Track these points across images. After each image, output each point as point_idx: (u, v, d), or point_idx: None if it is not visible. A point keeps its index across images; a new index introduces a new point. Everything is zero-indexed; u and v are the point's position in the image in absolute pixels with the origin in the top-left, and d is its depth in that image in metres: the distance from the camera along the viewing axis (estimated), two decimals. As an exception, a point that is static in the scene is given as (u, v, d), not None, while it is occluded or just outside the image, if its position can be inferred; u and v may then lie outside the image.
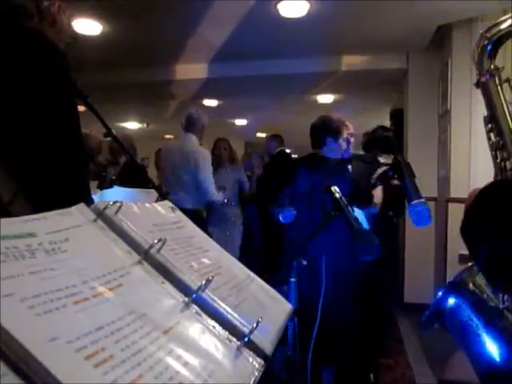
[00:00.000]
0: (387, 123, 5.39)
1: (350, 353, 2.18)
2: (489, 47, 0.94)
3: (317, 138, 2.53)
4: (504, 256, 0.69)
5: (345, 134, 2.50)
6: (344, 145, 2.49)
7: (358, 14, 3.44)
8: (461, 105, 3.52)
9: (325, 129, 2.52)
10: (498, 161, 0.92)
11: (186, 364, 0.45)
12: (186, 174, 3.13)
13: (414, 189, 1.89)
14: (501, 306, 0.87)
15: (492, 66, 0.94)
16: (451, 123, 3.61)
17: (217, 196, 3.26)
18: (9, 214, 0.65)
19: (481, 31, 0.95)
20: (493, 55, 0.94)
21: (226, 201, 3.47)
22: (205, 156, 3.16)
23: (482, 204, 0.73)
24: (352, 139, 2.61)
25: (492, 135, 0.94)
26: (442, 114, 3.97)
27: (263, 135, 9.20)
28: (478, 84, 0.96)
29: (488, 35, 0.94)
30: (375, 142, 3.13)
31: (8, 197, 0.85)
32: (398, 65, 4.44)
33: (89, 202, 0.64)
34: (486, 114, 0.95)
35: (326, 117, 2.56)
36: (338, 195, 1.31)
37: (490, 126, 0.93)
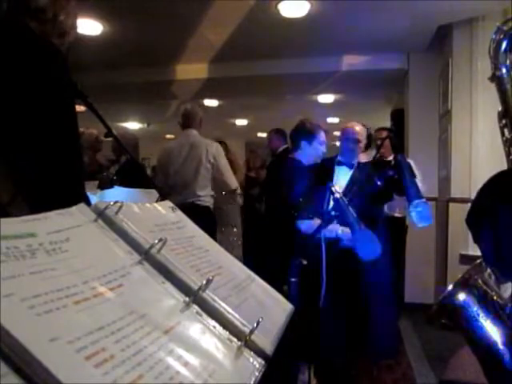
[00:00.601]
0: (387, 123, 5.39)
1: (336, 350, 2.18)
2: (505, 41, 0.92)
3: (292, 142, 2.63)
4: (505, 244, 0.69)
5: (321, 138, 2.55)
6: (321, 149, 2.55)
7: (358, 13, 3.44)
8: (461, 105, 3.51)
9: (299, 133, 2.59)
10: (511, 157, 0.91)
11: (186, 364, 0.45)
12: (200, 168, 3.08)
13: (415, 189, 1.89)
14: (509, 304, 0.86)
15: (508, 61, 0.93)
16: (452, 123, 3.61)
17: (236, 184, 3.32)
18: (7, 215, 0.65)
19: (497, 24, 0.93)
20: (509, 49, 0.93)
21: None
22: (217, 147, 3.18)
23: (486, 193, 0.73)
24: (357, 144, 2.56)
25: (506, 131, 0.92)
26: (442, 114, 3.97)
27: (263, 135, 9.19)
28: (492, 78, 0.95)
29: (505, 29, 0.92)
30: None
31: (6, 197, 0.85)
32: (398, 65, 4.44)
33: (86, 201, 0.64)
34: (500, 109, 0.93)
35: (301, 121, 2.63)
36: (338, 195, 1.31)
37: (503, 121, 0.92)
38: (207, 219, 3.02)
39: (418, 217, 1.98)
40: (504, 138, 0.92)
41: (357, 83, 5.11)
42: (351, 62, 4.53)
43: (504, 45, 0.92)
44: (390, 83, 4.96)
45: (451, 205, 3.48)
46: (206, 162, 3.08)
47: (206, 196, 3.11)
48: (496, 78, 0.93)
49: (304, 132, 2.59)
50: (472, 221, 0.75)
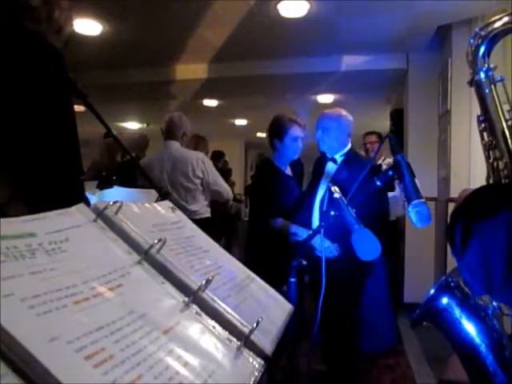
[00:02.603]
0: (387, 123, 5.40)
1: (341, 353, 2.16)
2: (483, 46, 0.93)
3: (269, 141, 2.36)
4: (482, 260, 0.70)
5: (293, 133, 2.26)
6: (294, 146, 2.27)
7: (358, 14, 3.44)
8: (461, 105, 3.51)
9: (270, 131, 2.33)
10: (491, 161, 0.92)
11: (185, 364, 0.45)
12: (189, 182, 2.93)
13: (414, 189, 1.89)
14: (490, 307, 0.87)
15: (486, 65, 0.93)
16: (451, 123, 3.61)
17: (231, 193, 3.19)
18: (4, 215, 0.65)
19: (475, 29, 0.94)
20: (487, 54, 0.94)
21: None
22: (203, 159, 3.01)
23: (464, 210, 0.74)
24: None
25: (485, 135, 0.93)
26: (441, 114, 3.97)
27: (263, 135, 9.18)
28: (471, 82, 0.95)
29: (482, 34, 0.93)
30: None
31: (4, 197, 0.85)
32: (398, 65, 4.44)
33: (85, 201, 0.64)
34: (479, 113, 0.94)
35: (273, 118, 2.36)
36: (338, 195, 1.31)
37: (483, 125, 0.93)
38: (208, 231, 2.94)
39: (417, 217, 1.97)
40: (483, 142, 0.93)
41: (356, 83, 5.11)
42: (351, 62, 4.52)
43: (482, 49, 0.93)
44: (389, 83, 4.97)
45: (450, 205, 3.48)
46: (193, 178, 2.92)
47: (201, 209, 2.99)
48: (475, 83, 0.94)
49: (274, 129, 2.30)
50: (451, 237, 0.75)
